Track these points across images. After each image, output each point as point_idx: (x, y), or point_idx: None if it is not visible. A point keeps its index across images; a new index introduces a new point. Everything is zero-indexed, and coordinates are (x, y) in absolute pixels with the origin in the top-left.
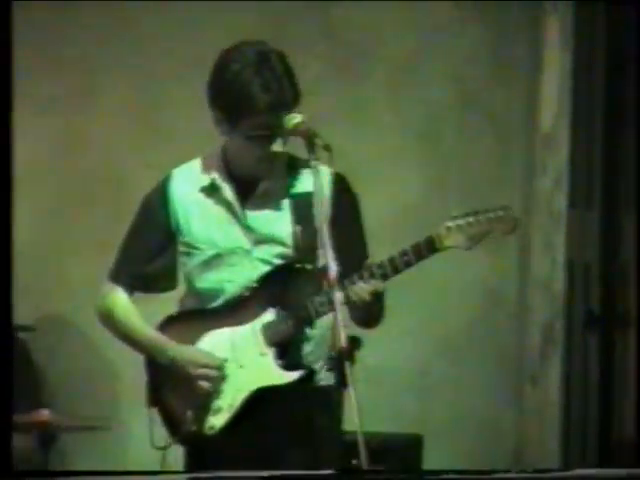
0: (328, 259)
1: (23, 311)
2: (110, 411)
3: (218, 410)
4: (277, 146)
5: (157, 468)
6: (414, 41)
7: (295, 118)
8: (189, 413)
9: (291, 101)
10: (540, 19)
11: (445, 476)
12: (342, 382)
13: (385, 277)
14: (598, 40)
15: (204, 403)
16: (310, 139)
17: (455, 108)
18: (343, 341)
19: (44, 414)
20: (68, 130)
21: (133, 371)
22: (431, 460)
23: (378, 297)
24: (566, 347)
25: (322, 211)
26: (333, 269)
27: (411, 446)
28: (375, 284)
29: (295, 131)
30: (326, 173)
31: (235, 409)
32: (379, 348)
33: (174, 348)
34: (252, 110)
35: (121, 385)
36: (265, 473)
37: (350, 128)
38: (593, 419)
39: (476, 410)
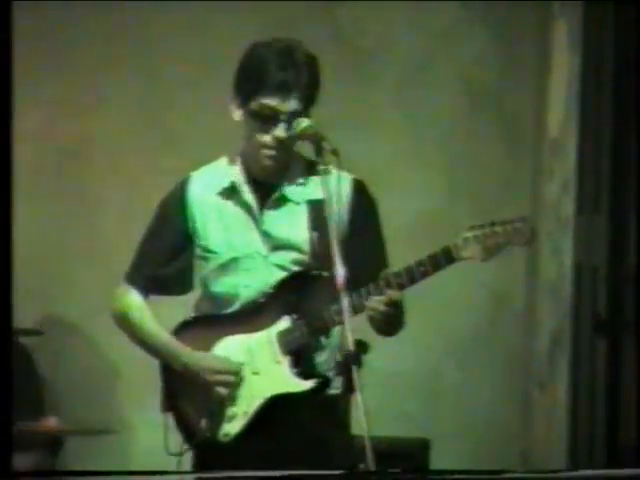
0: (336, 264)
1: (29, 315)
2: (116, 415)
3: (233, 417)
4: (279, 131)
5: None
6: (422, 44)
7: (303, 122)
8: (204, 420)
9: (304, 87)
10: (548, 22)
11: (450, 476)
12: (349, 386)
13: (401, 287)
14: (606, 43)
15: (219, 410)
16: (318, 143)
17: (463, 111)
18: (350, 345)
19: (51, 422)
20: (76, 132)
21: (139, 375)
22: (438, 464)
23: (395, 306)
24: (574, 351)
25: (331, 215)
26: (341, 274)
27: (418, 450)
28: (391, 294)
29: (303, 135)
30: (345, 179)
31: (250, 416)
32: (386, 352)
33: (188, 354)
34: (262, 86)
35: (127, 389)
36: (271, 473)
37: (358, 131)
38: (601, 423)
39: (483, 414)
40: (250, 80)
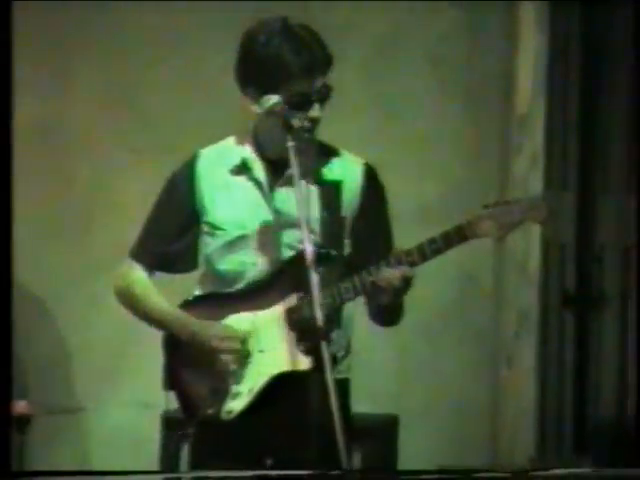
0: (304, 240)
1: None
2: (83, 393)
3: (238, 394)
4: (315, 112)
5: (125, 450)
6: (389, 22)
7: (271, 99)
8: (208, 396)
9: (324, 63)
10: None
11: (422, 476)
12: (318, 363)
13: (413, 264)
14: (573, 21)
15: (223, 386)
16: (286, 119)
17: (431, 88)
18: (319, 321)
19: (21, 406)
20: (46, 112)
21: (107, 354)
22: (407, 441)
23: (407, 283)
24: (542, 327)
25: (301, 191)
26: (309, 250)
27: (387, 426)
28: (404, 269)
29: (272, 112)
30: (357, 163)
31: (254, 394)
32: (356, 330)
33: (196, 323)
34: (287, 76)
35: (94, 368)
36: (242, 473)
37: (325, 109)
38: (568, 399)
39: (452, 390)
40: (268, 74)
